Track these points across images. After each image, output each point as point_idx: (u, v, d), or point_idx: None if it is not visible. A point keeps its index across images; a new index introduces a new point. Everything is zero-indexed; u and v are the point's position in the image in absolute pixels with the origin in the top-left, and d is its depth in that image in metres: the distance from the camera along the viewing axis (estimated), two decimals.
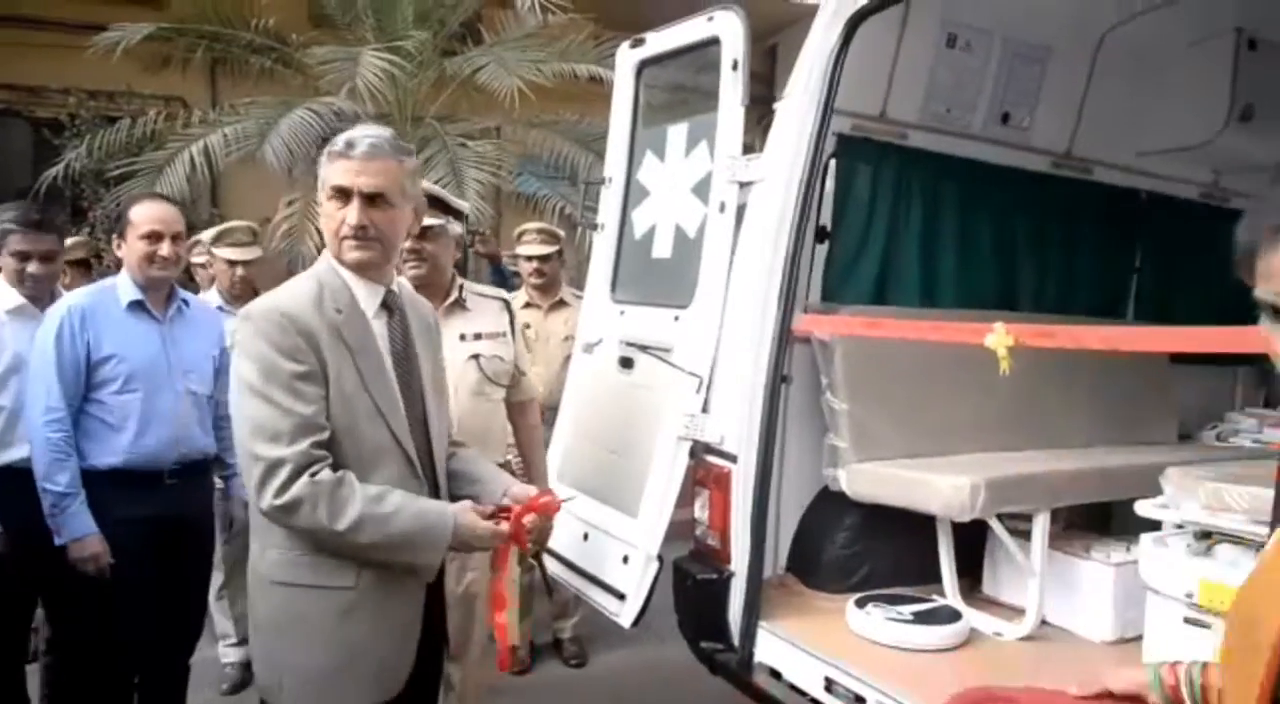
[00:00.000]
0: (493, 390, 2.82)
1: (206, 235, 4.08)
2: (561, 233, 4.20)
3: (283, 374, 1.71)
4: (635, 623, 2.85)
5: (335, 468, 1.75)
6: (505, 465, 2.93)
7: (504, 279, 5.14)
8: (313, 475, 1.70)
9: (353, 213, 1.80)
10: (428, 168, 6.15)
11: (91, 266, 4.34)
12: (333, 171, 1.82)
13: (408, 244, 2.62)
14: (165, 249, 2.72)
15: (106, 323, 2.69)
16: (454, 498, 1.97)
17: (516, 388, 2.93)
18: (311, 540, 1.76)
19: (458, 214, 2.85)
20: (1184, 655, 2.07)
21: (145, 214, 2.73)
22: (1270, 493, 1.78)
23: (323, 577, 1.78)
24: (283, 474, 1.68)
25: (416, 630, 1.89)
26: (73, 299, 2.74)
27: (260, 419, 1.71)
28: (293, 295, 1.81)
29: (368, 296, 1.88)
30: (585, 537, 3.27)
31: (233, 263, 3.82)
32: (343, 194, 1.81)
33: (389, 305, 1.92)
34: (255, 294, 3.82)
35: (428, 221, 2.62)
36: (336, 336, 1.78)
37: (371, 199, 1.81)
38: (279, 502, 1.68)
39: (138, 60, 6.81)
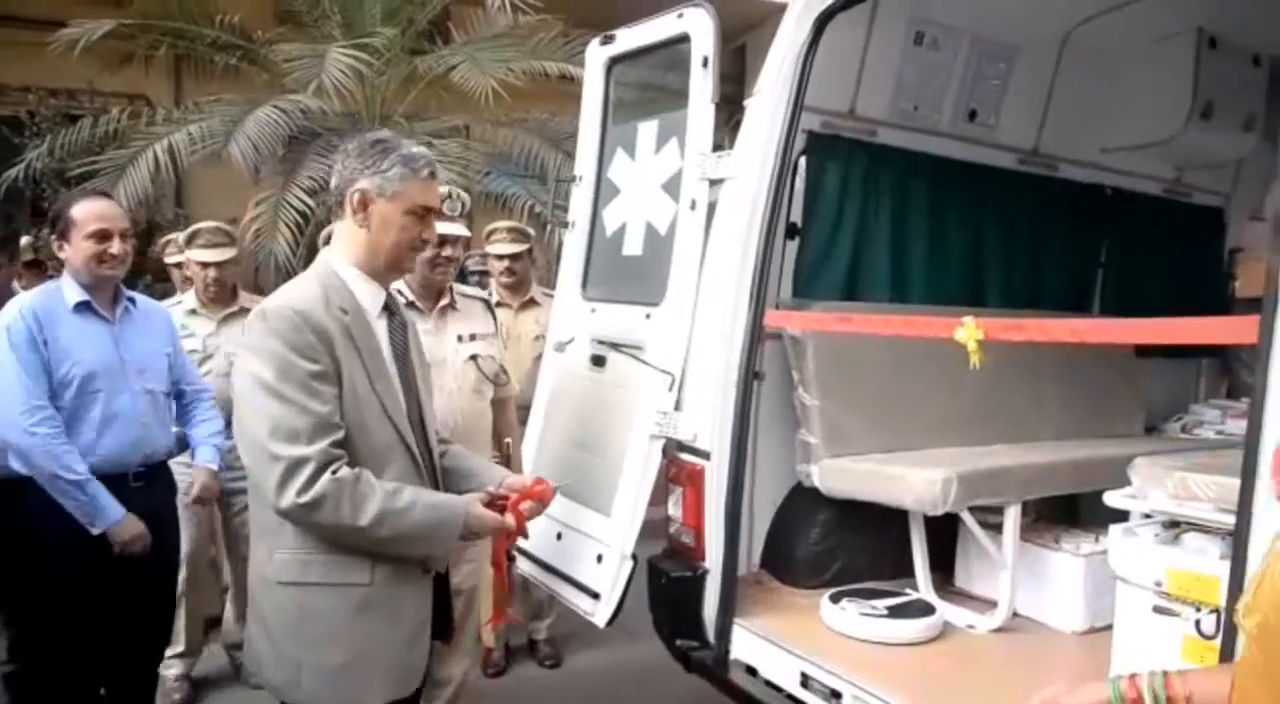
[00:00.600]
0: (487, 389, 2.87)
1: (182, 236, 3.99)
2: (531, 231, 4.18)
3: (299, 372, 1.73)
4: (610, 622, 2.83)
5: (350, 465, 1.78)
6: (496, 461, 2.95)
7: (463, 278, 5.09)
8: (334, 473, 1.72)
9: (433, 231, 2.00)
10: None
11: (46, 267, 4.22)
12: (419, 191, 1.91)
13: (446, 252, 2.71)
14: (115, 247, 2.65)
15: (58, 325, 2.62)
16: (450, 493, 2.01)
17: (502, 386, 2.98)
18: (329, 537, 1.78)
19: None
20: (1153, 645, 2.12)
21: (89, 212, 2.64)
22: (1236, 481, 1.80)
23: (336, 575, 1.80)
24: (306, 472, 1.69)
25: (428, 625, 1.95)
26: (23, 300, 2.67)
27: (278, 418, 1.72)
28: (302, 296, 1.82)
29: (371, 298, 1.93)
30: (559, 536, 3.25)
31: (206, 264, 3.69)
32: (427, 212, 1.94)
33: (389, 307, 1.98)
34: (233, 296, 3.79)
35: (460, 231, 2.72)
36: (346, 336, 1.82)
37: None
38: (302, 500, 1.69)
39: (100, 57, 6.69)
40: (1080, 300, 4.03)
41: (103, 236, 2.63)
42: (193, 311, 3.74)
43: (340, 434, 1.77)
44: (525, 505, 2.01)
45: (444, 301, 2.83)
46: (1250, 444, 1.58)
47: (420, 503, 1.82)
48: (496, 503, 1.98)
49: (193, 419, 2.93)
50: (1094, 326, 2.61)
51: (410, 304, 2.78)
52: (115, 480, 2.66)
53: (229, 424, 3.53)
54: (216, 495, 2.79)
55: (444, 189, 2.69)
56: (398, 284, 2.74)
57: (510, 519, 1.97)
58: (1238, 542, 1.60)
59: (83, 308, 2.67)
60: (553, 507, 3.25)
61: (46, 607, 2.67)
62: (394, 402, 1.89)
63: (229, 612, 3.94)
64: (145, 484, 2.75)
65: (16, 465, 2.61)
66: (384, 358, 1.92)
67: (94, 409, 2.63)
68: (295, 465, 1.70)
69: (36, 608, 2.70)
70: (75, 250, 2.63)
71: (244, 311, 3.72)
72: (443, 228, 2.69)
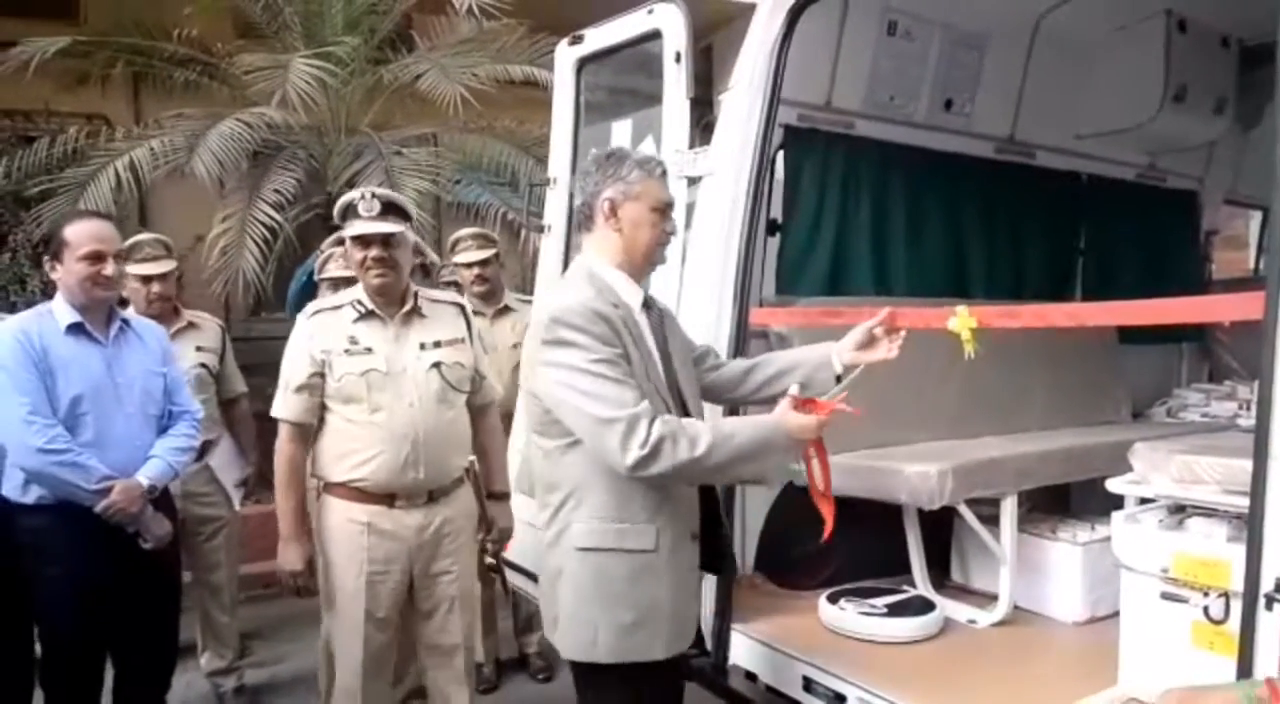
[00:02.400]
0: (455, 397, 2.76)
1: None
2: (497, 236, 4.10)
3: (607, 353, 1.95)
4: None
5: None
6: (469, 469, 2.90)
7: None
8: (661, 420, 1.91)
9: (672, 223, 2.18)
10: (363, 177, 6.00)
11: (8, 293, 4.05)
12: (657, 188, 2.12)
13: (374, 253, 2.63)
14: (109, 269, 2.61)
15: (50, 347, 2.57)
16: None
17: (477, 392, 2.87)
18: (635, 493, 1.98)
19: (410, 221, 2.78)
20: (1162, 632, 2.09)
21: (84, 233, 2.60)
22: (1241, 463, 1.77)
23: (627, 542, 2.01)
24: (642, 425, 1.87)
25: (699, 587, 2.19)
26: (13, 323, 2.61)
27: (602, 392, 1.91)
28: (583, 295, 2.02)
29: (631, 294, 2.12)
30: None
31: (148, 278, 3.48)
32: (667, 208, 2.15)
33: (647, 303, 2.17)
34: (175, 312, 3.63)
35: (391, 228, 2.63)
36: (624, 325, 2.03)
37: None
38: (645, 450, 1.86)
39: (55, 77, 6.53)
40: (1062, 287, 4.03)
41: (97, 258, 2.59)
42: None
43: (644, 398, 1.96)
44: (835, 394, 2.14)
45: (407, 307, 2.73)
46: (1261, 423, 1.54)
47: (741, 427, 2.02)
48: (803, 407, 2.07)
49: (165, 433, 2.82)
50: (1097, 310, 2.58)
51: (370, 313, 2.69)
52: None
53: (201, 452, 3.50)
54: (128, 513, 2.57)
55: (358, 191, 2.69)
56: (358, 294, 2.71)
57: (823, 415, 2.05)
58: (1253, 522, 1.56)
59: (75, 329, 2.62)
60: (537, 516, 3.21)
61: (49, 640, 2.63)
62: (658, 381, 2.08)
63: (200, 641, 3.82)
64: None
65: (13, 493, 2.57)
66: (650, 345, 2.11)
67: (85, 431, 2.58)
68: (632, 422, 1.87)
69: (42, 640, 2.67)
70: (68, 272, 2.59)
71: (193, 327, 3.61)
72: (359, 227, 2.63)
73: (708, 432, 1.93)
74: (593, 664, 2.06)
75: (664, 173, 2.17)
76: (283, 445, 2.72)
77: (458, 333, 2.80)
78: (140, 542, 2.64)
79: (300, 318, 2.77)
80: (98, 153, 6.05)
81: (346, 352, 2.63)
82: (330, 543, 2.69)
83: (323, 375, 2.64)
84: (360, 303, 2.69)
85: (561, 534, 2.05)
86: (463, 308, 2.90)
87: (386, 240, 2.63)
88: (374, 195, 2.65)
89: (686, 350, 2.29)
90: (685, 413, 2.11)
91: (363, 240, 2.64)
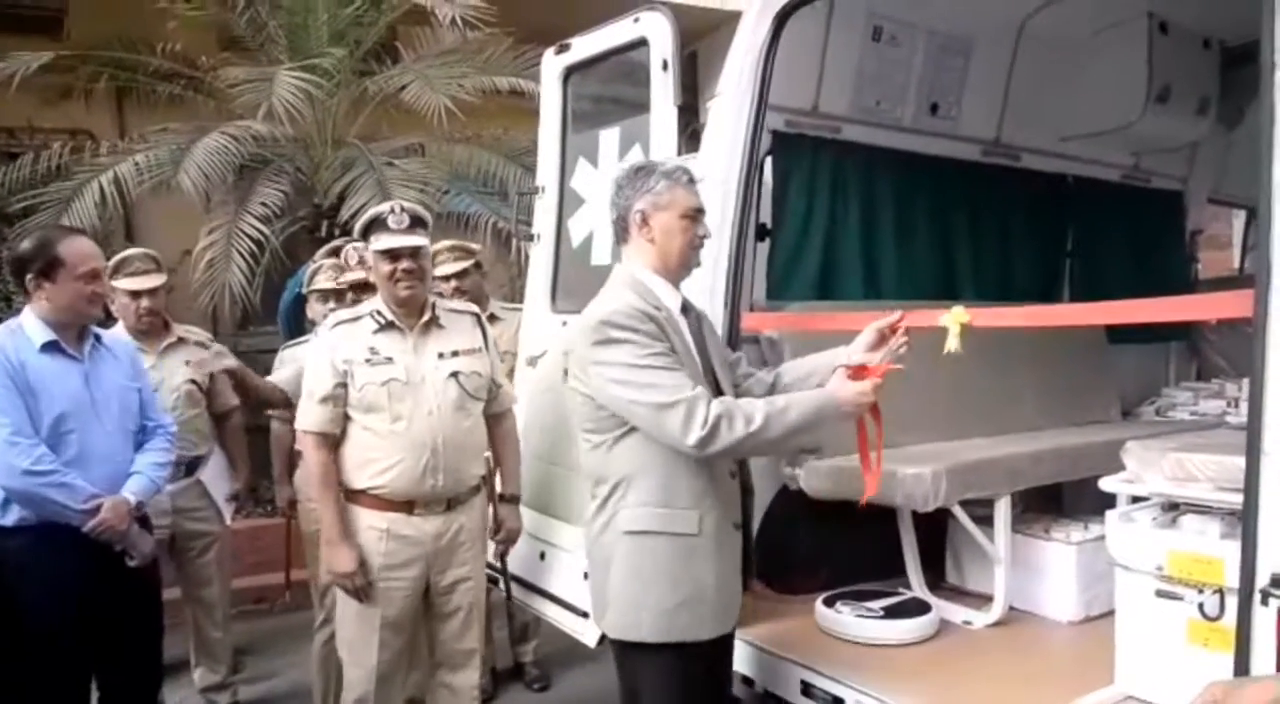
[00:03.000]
0: (473, 406, 2.81)
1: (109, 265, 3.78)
2: (476, 247, 4.07)
3: (656, 347, 2.06)
4: (600, 641, 2.75)
5: None
6: (489, 475, 2.97)
7: None
8: (717, 400, 2.03)
9: (704, 227, 2.25)
10: (355, 189, 5.99)
11: None
12: (684, 196, 2.21)
13: (404, 265, 2.70)
14: (101, 287, 2.64)
15: (27, 365, 2.53)
16: None
17: (495, 400, 2.92)
18: (680, 479, 2.09)
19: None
20: (1157, 630, 2.09)
21: (81, 252, 2.59)
22: (1233, 459, 1.78)
23: (674, 525, 2.11)
24: (700, 406, 1.99)
25: (740, 572, 2.24)
26: None
27: (658, 381, 2.03)
28: (625, 299, 2.13)
29: (670, 298, 2.22)
30: (541, 555, 3.18)
31: (137, 293, 3.43)
32: (696, 214, 2.23)
33: (685, 306, 2.27)
34: (166, 326, 3.62)
35: (420, 242, 2.72)
36: (668, 325, 2.13)
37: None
38: (705, 430, 1.97)
39: (38, 93, 6.48)
40: (1050, 288, 4.05)
41: (94, 277, 2.60)
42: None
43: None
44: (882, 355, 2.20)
45: (425, 317, 2.77)
46: (1253, 420, 1.55)
47: (793, 401, 2.10)
48: (857, 375, 2.15)
49: (142, 449, 2.80)
50: (1090, 310, 2.59)
51: (390, 324, 2.74)
52: None
53: (192, 467, 3.49)
54: (117, 531, 2.55)
55: (386, 205, 2.77)
56: (377, 305, 2.77)
57: (876, 380, 2.12)
58: (1247, 518, 1.57)
59: (50, 347, 2.59)
60: (532, 525, 3.21)
61: (33, 663, 2.57)
62: (701, 381, 2.13)
63: (193, 658, 3.79)
64: None
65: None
66: (690, 345, 2.20)
67: (68, 449, 2.55)
68: (691, 405, 1.99)
69: (24, 664, 2.59)
70: (63, 291, 2.56)
71: (182, 342, 3.57)
72: (389, 241, 2.69)
73: (763, 407, 2.04)
74: (639, 644, 2.15)
75: (690, 180, 2.25)
76: (311, 454, 2.77)
77: (475, 342, 2.85)
78: (126, 559, 2.62)
79: (321, 329, 2.88)
80: (82, 168, 6.01)
81: (367, 361, 2.69)
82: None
83: (345, 385, 2.69)
84: (380, 314, 2.75)
85: (610, 521, 2.16)
86: (479, 317, 2.94)
87: (415, 253, 2.70)
88: (403, 209, 2.73)
89: (723, 354, 2.38)
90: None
91: (392, 254, 2.70)
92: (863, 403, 2.12)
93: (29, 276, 2.59)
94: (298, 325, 4.32)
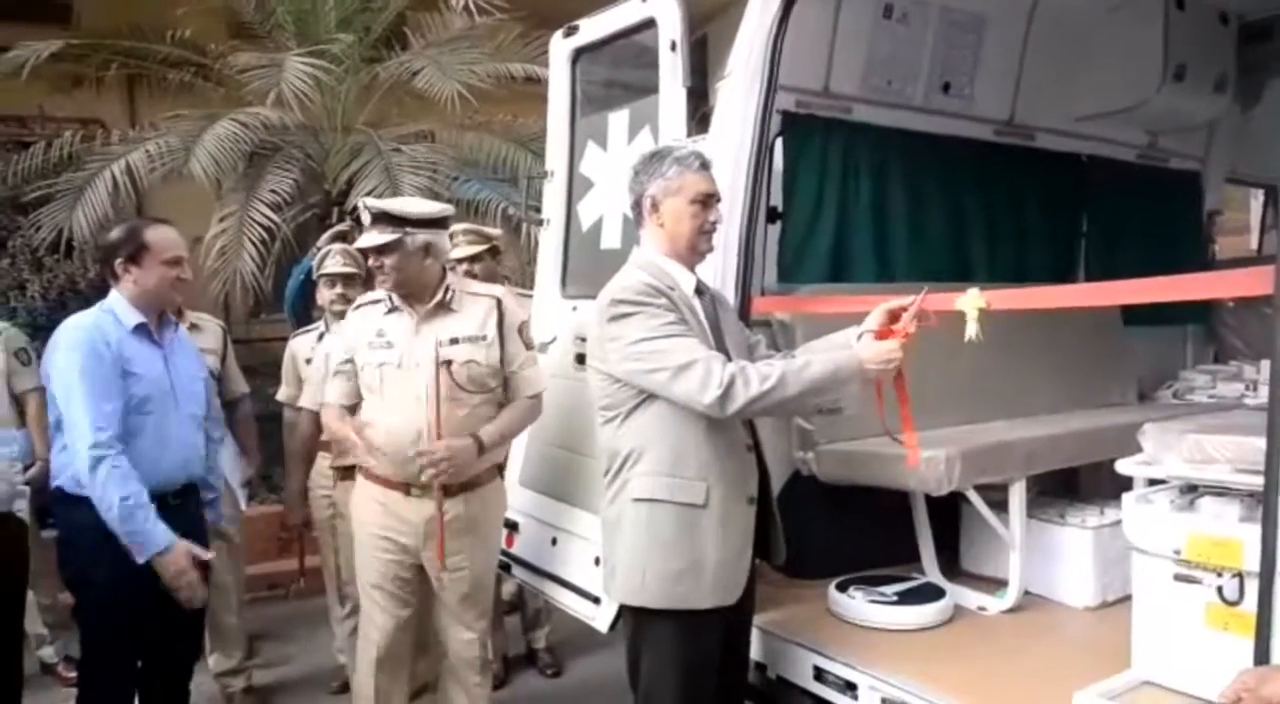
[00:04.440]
0: (467, 396, 2.74)
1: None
2: (493, 231, 4.07)
3: (665, 317, 2.12)
4: (613, 627, 2.75)
5: None
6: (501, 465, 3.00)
7: None
8: (733, 362, 2.08)
9: (716, 213, 2.28)
10: (362, 176, 5.98)
11: (8, 298, 4.03)
12: (695, 181, 2.24)
13: (372, 262, 2.77)
14: (187, 272, 2.74)
15: (123, 348, 2.61)
16: None
17: (511, 387, 2.84)
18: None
19: (417, 223, 2.75)
20: (1175, 615, 2.06)
21: (167, 239, 2.70)
22: (1253, 440, 1.75)
23: (678, 494, 2.15)
24: (716, 366, 2.04)
25: (750, 547, 2.24)
26: (83, 320, 2.63)
27: (673, 347, 2.08)
28: (635, 276, 2.20)
29: (686, 281, 2.26)
30: (553, 541, 3.17)
31: None
32: (710, 199, 2.26)
33: (700, 289, 2.30)
34: (179, 313, 3.59)
35: (377, 241, 2.71)
36: (680, 303, 2.18)
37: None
38: (720, 390, 2.02)
39: (49, 81, 6.53)
40: (1065, 270, 4.00)
41: (178, 262, 2.70)
42: None
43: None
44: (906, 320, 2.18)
45: (433, 301, 2.76)
46: (1274, 399, 1.52)
47: (814, 360, 2.14)
48: (883, 336, 2.16)
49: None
50: (1109, 289, 2.54)
51: (397, 308, 2.79)
52: (155, 501, 2.57)
53: None
54: (189, 581, 2.57)
55: (359, 201, 2.89)
56: (382, 293, 2.83)
57: (900, 339, 2.14)
58: (1267, 500, 1.54)
59: (140, 330, 2.67)
60: (543, 510, 3.20)
61: (102, 629, 2.65)
62: None
63: (208, 643, 3.81)
64: (181, 503, 2.71)
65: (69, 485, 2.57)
66: (705, 326, 2.23)
67: (149, 432, 2.62)
68: (706, 365, 2.04)
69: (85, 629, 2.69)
70: (150, 274, 2.66)
71: (194, 328, 3.58)
72: (360, 241, 2.82)
73: (780, 366, 2.09)
74: (642, 608, 2.20)
75: (703, 165, 2.27)
76: (329, 425, 2.96)
77: (482, 330, 2.78)
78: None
79: (350, 311, 2.98)
80: (93, 157, 6.05)
81: (369, 345, 2.78)
82: (356, 520, 2.89)
83: (353, 363, 2.82)
84: (391, 297, 2.82)
85: (621, 489, 2.21)
86: (499, 302, 2.85)
87: (380, 250, 2.72)
88: (367, 207, 2.78)
89: (740, 335, 2.40)
90: None
91: (363, 251, 2.85)
92: (888, 360, 2.13)
93: (118, 261, 2.67)
94: (305, 313, 4.33)
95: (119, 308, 2.66)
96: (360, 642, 2.95)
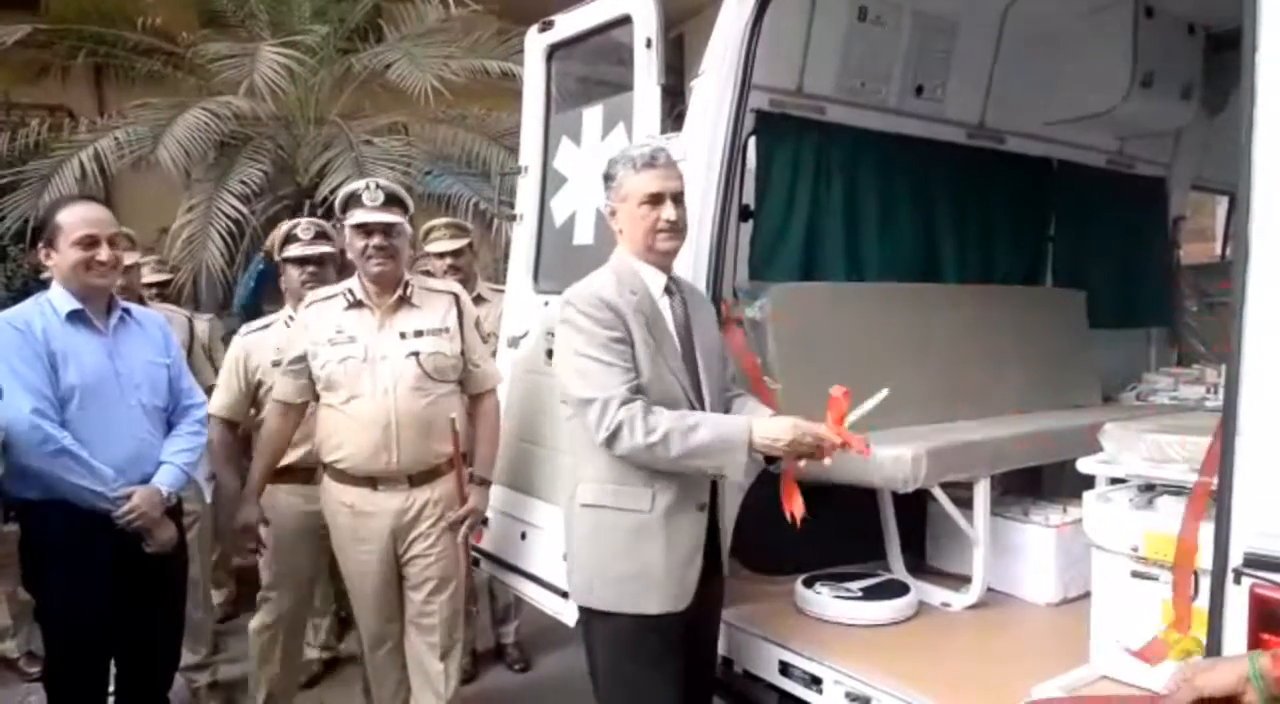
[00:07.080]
0: (434, 386, 2.81)
1: None
2: (471, 226, 4.07)
3: (601, 338, 2.12)
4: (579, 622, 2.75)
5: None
6: (468, 456, 2.98)
7: None
8: (627, 405, 2.07)
9: (669, 210, 2.22)
10: (333, 168, 5.94)
11: None
12: (645, 180, 2.21)
13: (376, 241, 2.75)
14: (103, 254, 2.51)
15: (52, 336, 2.48)
16: None
17: (471, 380, 2.94)
18: (635, 462, 2.12)
19: (408, 211, 2.88)
20: (1133, 611, 2.10)
21: (75, 217, 2.51)
22: (1208, 441, 1.78)
23: (622, 501, 2.17)
24: (611, 409, 2.06)
25: (700, 553, 2.22)
26: (11, 314, 2.52)
27: (588, 372, 2.11)
28: (601, 283, 2.21)
29: (654, 281, 2.26)
30: (523, 535, 3.17)
31: None
32: (657, 198, 2.21)
33: (669, 289, 2.29)
34: (141, 304, 3.57)
35: (393, 219, 2.77)
36: (636, 311, 2.18)
37: (676, 199, 2.25)
38: (607, 432, 2.06)
39: (14, 69, 6.42)
40: (1032, 272, 4.05)
41: (90, 243, 2.50)
42: None
43: (635, 381, 2.12)
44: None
45: (395, 296, 2.80)
46: (1229, 399, 1.55)
47: (707, 424, 2.10)
48: (831, 407, 2.12)
49: (170, 434, 2.74)
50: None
51: (359, 303, 2.80)
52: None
53: None
54: (149, 519, 2.51)
55: (363, 181, 2.84)
56: (351, 284, 2.84)
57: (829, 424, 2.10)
58: (1221, 498, 1.57)
59: (75, 317, 2.53)
60: (513, 505, 3.20)
61: (54, 648, 2.57)
62: (676, 362, 2.22)
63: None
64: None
65: (19, 490, 2.48)
66: (667, 327, 2.24)
67: (90, 424, 2.49)
68: (603, 405, 2.07)
69: (53, 635, 2.60)
70: (62, 258, 2.51)
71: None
72: (362, 216, 2.76)
73: (668, 422, 2.06)
74: (592, 609, 2.25)
75: (649, 163, 2.23)
76: (269, 420, 2.94)
77: (444, 323, 2.86)
78: (143, 545, 2.56)
79: (301, 308, 2.93)
80: (61, 145, 5.96)
81: (330, 341, 2.77)
82: (331, 526, 2.91)
83: (307, 361, 2.79)
84: (351, 292, 2.82)
85: (573, 492, 2.26)
86: (457, 298, 2.95)
87: (388, 230, 2.74)
88: (378, 186, 2.79)
89: (714, 337, 2.39)
90: (698, 392, 2.24)
91: (365, 229, 2.76)
92: (777, 439, 2.08)
93: (40, 244, 2.55)
94: (256, 309, 4.27)
95: (54, 295, 2.54)
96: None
